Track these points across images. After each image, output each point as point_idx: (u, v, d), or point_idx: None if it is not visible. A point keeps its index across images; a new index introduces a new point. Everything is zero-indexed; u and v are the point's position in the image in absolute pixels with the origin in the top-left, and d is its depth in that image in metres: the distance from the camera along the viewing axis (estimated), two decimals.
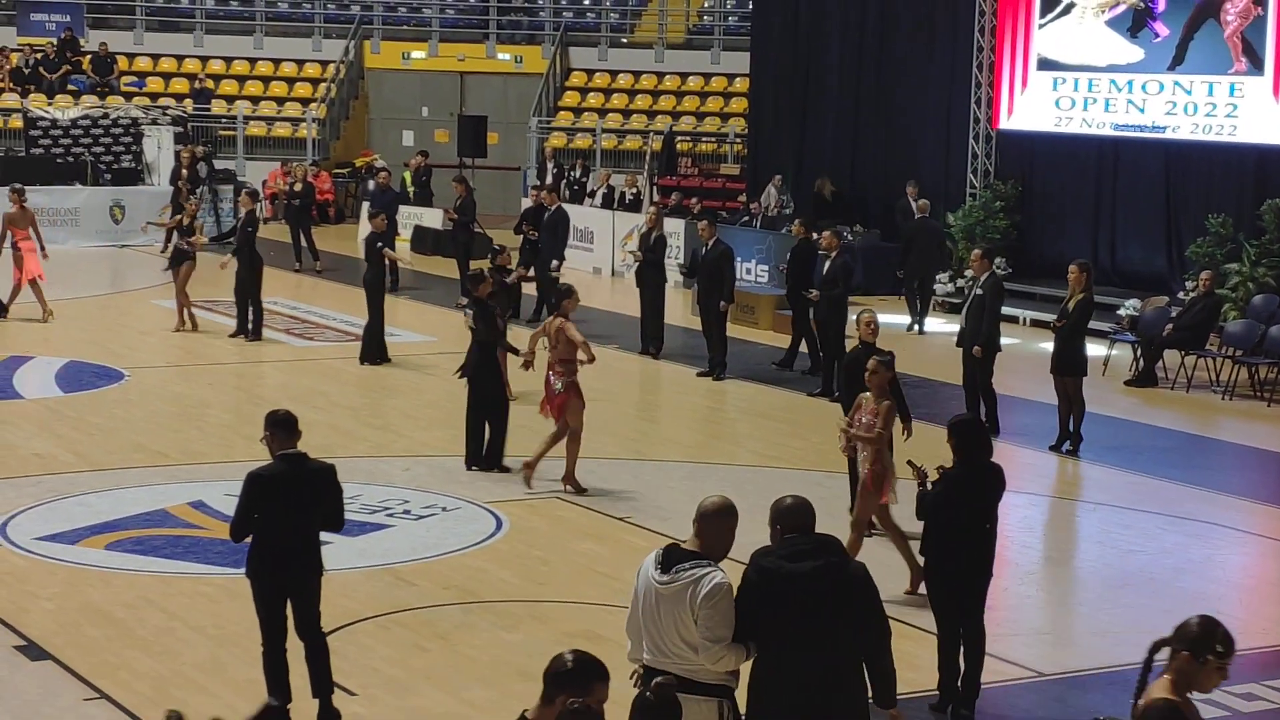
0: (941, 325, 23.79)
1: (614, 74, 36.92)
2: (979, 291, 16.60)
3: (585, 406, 13.90)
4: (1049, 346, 16.62)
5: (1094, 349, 18.36)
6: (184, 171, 29.48)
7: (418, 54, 37.23)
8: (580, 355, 13.77)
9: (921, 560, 9.91)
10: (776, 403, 18.34)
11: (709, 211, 24.73)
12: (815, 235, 20.04)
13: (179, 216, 21.42)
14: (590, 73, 37.05)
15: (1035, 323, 22.77)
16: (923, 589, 10.59)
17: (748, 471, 14.90)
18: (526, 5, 38.76)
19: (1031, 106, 25.51)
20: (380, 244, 19.93)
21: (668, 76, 36.55)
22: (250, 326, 20.56)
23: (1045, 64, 25.25)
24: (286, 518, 8.97)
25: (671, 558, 6.80)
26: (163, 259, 27.97)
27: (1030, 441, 16.41)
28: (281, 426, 9.03)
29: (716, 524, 6.85)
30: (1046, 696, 10.12)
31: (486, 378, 14.59)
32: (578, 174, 31.88)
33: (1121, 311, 21.30)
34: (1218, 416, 18.50)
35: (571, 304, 14.12)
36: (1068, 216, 25.24)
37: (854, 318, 14.22)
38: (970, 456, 9.42)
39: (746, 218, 27.92)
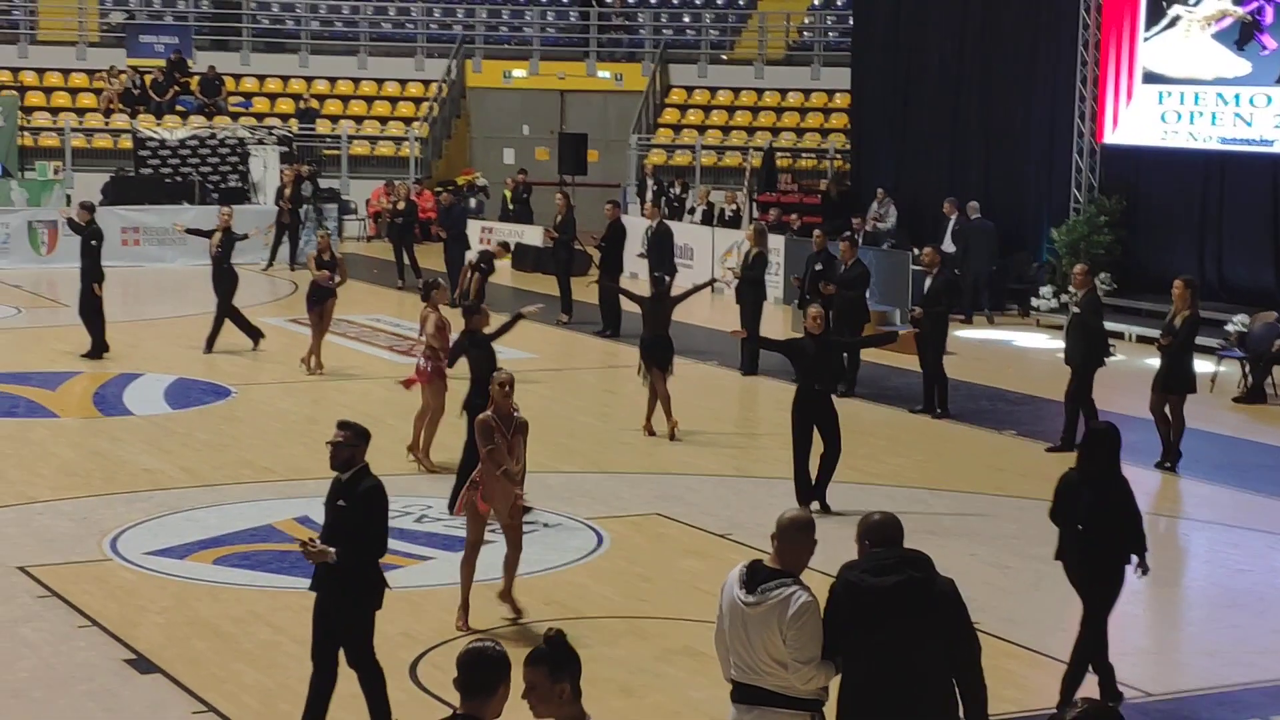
0: (1044, 341, 23.61)
1: (713, 91, 36.96)
2: (1075, 309, 16.55)
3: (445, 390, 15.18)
4: (1155, 363, 16.42)
5: (1201, 365, 18.13)
6: (286, 191, 29.88)
7: (519, 73, 37.48)
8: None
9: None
10: (876, 419, 18.26)
11: (849, 230, 24.74)
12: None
13: (324, 260, 19.94)
14: (690, 90, 37.11)
15: (1141, 339, 22.51)
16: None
17: (848, 489, 14.83)
18: (626, 24, 38.91)
19: (1137, 120, 25.24)
20: (483, 265, 20.26)
21: (767, 93, 36.53)
22: (210, 338, 20.81)
23: (1150, 77, 24.98)
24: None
25: (756, 577, 6.80)
26: (265, 276, 28.49)
27: (1135, 458, 16.19)
28: (368, 440, 9.08)
29: (794, 537, 6.85)
30: (1154, 717, 9.99)
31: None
32: (677, 191, 31.94)
33: (1229, 327, 21.01)
34: None
35: (441, 295, 15.75)
36: (1173, 231, 24.93)
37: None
38: (1086, 463, 9.64)
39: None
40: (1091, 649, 9.68)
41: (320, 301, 19.76)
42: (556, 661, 5.45)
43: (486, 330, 14.26)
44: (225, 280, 20.93)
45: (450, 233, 26.20)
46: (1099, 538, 9.54)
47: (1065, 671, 9.70)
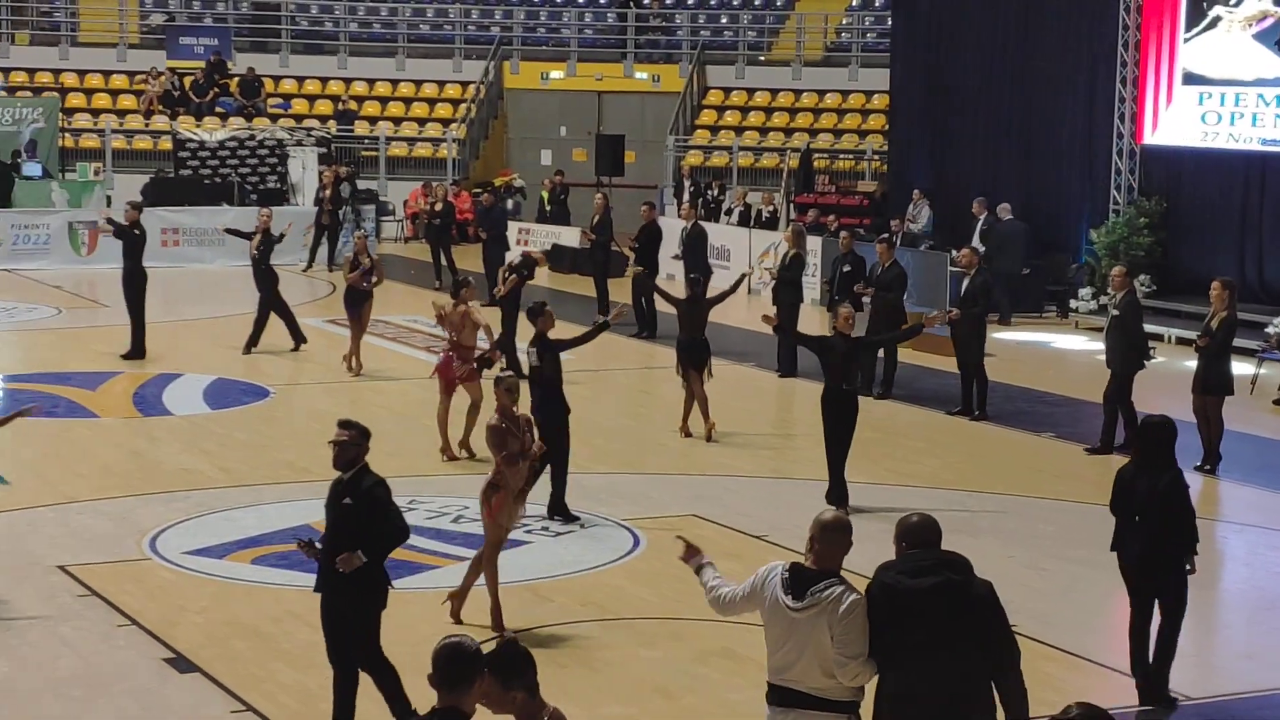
0: (1083, 343, 23.51)
1: (751, 92, 36.95)
2: (1115, 311, 16.50)
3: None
4: (1194, 365, 16.34)
5: (1242, 367, 18.03)
6: (326, 192, 30.00)
7: (556, 74, 37.54)
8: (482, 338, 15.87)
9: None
10: (913, 420, 18.22)
11: (886, 232, 24.72)
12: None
13: (360, 262, 19.81)
14: (727, 91, 37.09)
15: (1181, 340, 22.40)
16: None
17: (885, 490, 14.82)
18: (664, 25, 38.92)
19: (1177, 122, 25.12)
20: (524, 270, 20.32)
21: (805, 94, 36.49)
22: (251, 339, 21.06)
23: (1191, 78, 24.85)
24: None
25: (801, 581, 6.80)
26: (304, 277, 28.60)
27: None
28: (369, 438, 9.17)
29: (832, 538, 6.87)
30: None
31: (551, 419, 13.30)
32: (714, 192, 31.93)
33: (1269, 329, 20.89)
34: None
35: (470, 293, 16.20)
36: (1214, 233, 24.82)
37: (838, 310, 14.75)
38: (1139, 454, 9.89)
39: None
40: (1174, 639, 9.78)
41: (357, 304, 19.84)
42: (506, 672, 5.58)
43: (552, 333, 14.13)
44: (266, 280, 21.06)
45: (491, 234, 26.26)
46: (1154, 529, 9.59)
47: (1152, 668, 9.76)
